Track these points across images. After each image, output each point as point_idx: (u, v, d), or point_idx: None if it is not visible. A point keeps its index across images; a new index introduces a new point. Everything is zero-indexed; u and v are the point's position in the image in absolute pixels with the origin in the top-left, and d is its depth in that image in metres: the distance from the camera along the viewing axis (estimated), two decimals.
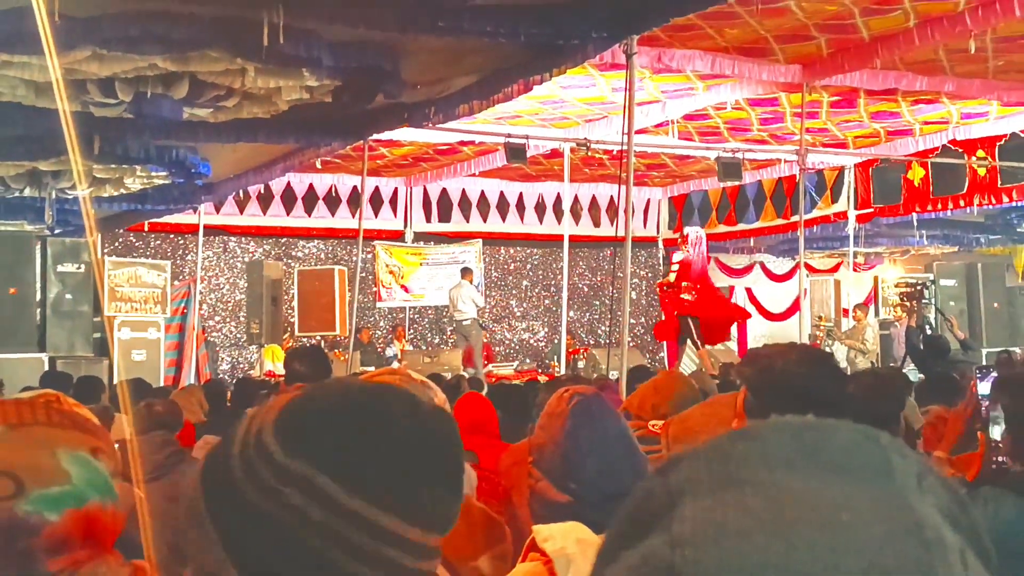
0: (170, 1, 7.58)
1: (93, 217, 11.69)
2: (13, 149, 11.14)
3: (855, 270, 21.07)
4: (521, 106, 13.31)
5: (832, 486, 0.61)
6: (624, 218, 9.19)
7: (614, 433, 2.81)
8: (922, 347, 13.75)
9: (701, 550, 0.58)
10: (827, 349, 18.80)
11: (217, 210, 18.26)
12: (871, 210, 17.80)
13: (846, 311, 20.79)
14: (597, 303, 22.71)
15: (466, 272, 18.37)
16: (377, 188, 19.50)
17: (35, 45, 7.57)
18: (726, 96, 13.10)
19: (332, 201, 19.44)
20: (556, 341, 19.28)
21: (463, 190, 20.40)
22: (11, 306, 14.29)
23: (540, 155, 16.28)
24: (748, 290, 23.11)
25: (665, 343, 22.34)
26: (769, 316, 22.86)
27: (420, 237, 20.43)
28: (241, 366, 19.59)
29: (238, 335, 19.63)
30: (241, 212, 19.00)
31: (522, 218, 20.98)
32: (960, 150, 15.98)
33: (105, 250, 17.68)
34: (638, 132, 11.77)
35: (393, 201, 20.12)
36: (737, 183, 17.47)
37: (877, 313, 21.95)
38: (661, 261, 22.65)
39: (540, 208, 20.97)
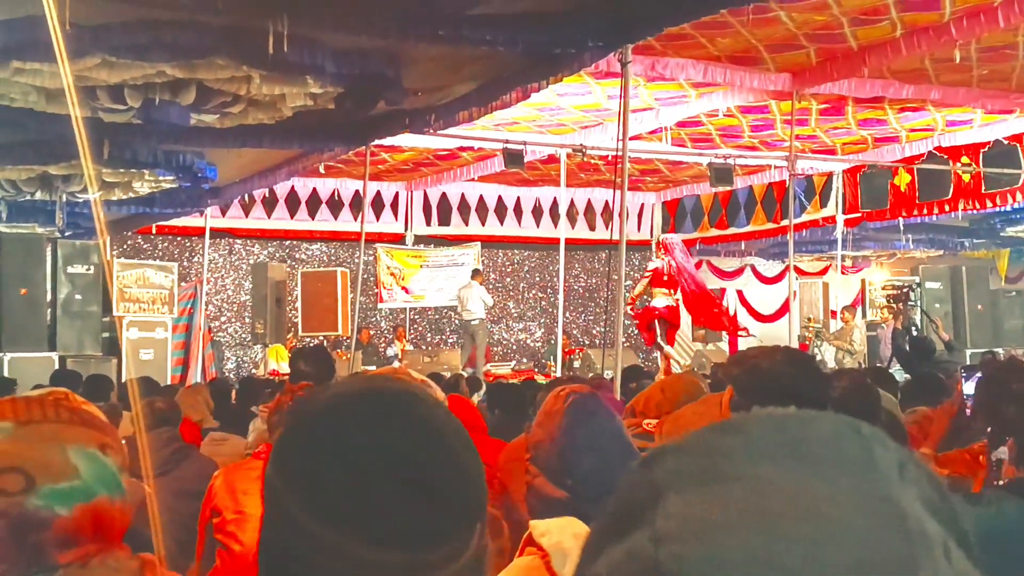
0: (178, 10, 7.57)
1: (103, 220, 11.68)
2: (25, 153, 11.13)
3: (843, 273, 21.09)
4: (519, 113, 13.31)
5: (815, 479, 0.59)
6: (619, 222, 9.19)
7: (609, 431, 2.81)
8: (908, 348, 13.74)
9: (685, 546, 0.57)
10: (816, 350, 18.84)
11: (223, 213, 18.26)
12: (859, 215, 17.82)
13: (834, 313, 20.81)
14: (592, 304, 22.73)
15: (476, 273, 18.41)
16: (379, 192, 19.50)
17: (46, 52, 7.57)
18: (718, 103, 13.10)
19: (335, 205, 19.43)
20: (552, 341, 19.29)
21: (462, 194, 20.40)
22: (22, 306, 14.28)
23: (537, 160, 16.28)
24: (739, 292, 23.13)
25: None
26: (759, 318, 22.87)
27: (420, 240, 20.44)
28: (246, 365, 19.59)
29: (243, 335, 19.64)
30: (246, 215, 18.99)
31: (519, 222, 20.98)
32: (945, 156, 15.99)
33: (114, 252, 17.67)
34: (632, 138, 11.78)
35: (394, 205, 20.12)
36: (728, 188, 17.47)
37: (864, 315, 21.96)
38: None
39: (537, 212, 20.97)
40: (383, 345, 19.83)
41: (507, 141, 14.26)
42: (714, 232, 20.93)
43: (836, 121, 14.82)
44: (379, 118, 11.12)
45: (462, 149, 16.21)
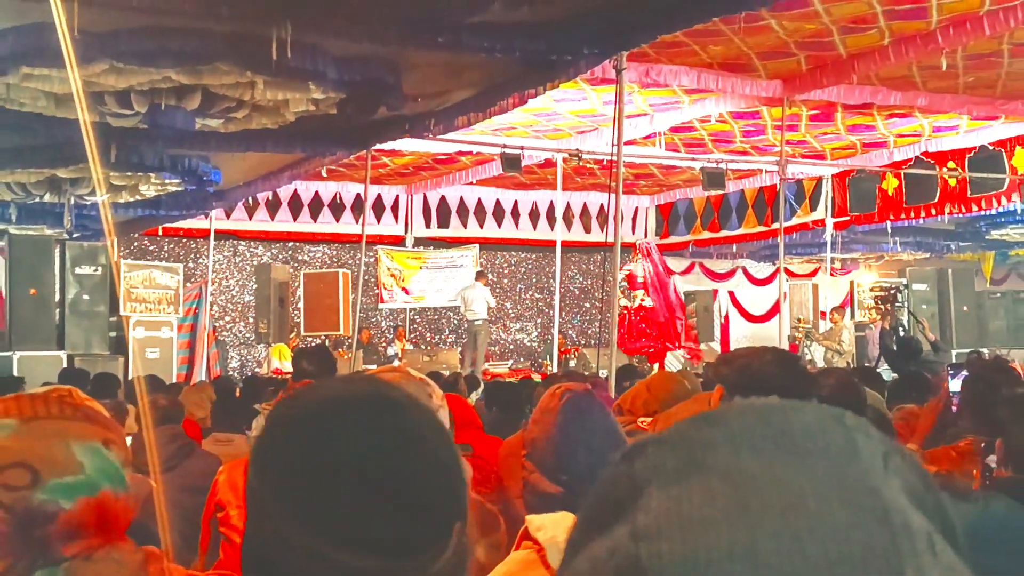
0: (183, 17, 7.57)
1: (111, 222, 11.68)
2: (34, 157, 11.13)
3: (832, 275, 21.08)
4: (516, 118, 13.32)
5: (798, 470, 0.57)
6: (613, 225, 9.19)
7: (603, 428, 2.81)
8: (895, 348, 13.73)
9: (666, 542, 0.55)
10: (805, 350, 18.85)
11: (227, 216, 18.26)
12: (847, 218, 17.82)
13: (823, 313, 20.81)
14: (587, 305, 22.72)
15: (480, 275, 18.42)
16: (379, 195, 19.50)
17: (55, 58, 7.56)
18: (710, 109, 13.12)
19: (337, 208, 19.43)
20: (548, 341, 19.32)
21: (461, 197, 20.41)
22: (32, 306, 14.27)
23: (534, 165, 16.28)
24: (731, 293, 23.16)
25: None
26: (750, 318, 22.91)
27: (420, 242, 20.44)
28: (250, 364, 19.59)
29: (247, 334, 19.64)
30: (250, 218, 19.00)
31: (517, 224, 20.98)
32: (932, 161, 16.01)
33: (121, 253, 17.65)
34: (627, 143, 11.77)
35: (395, 208, 20.12)
36: (721, 192, 17.48)
37: (853, 315, 21.98)
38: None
39: (534, 215, 20.98)
40: (383, 345, 19.83)
41: (505, 146, 14.26)
42: (706, 235, 20.95)
43: (826, 127, 14.82)
44: (380, 123, 11.12)
45: (461, 153, 16.21)
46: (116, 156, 10.92)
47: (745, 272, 23.23)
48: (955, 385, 4.44)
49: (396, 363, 17.47)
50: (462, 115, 10.59)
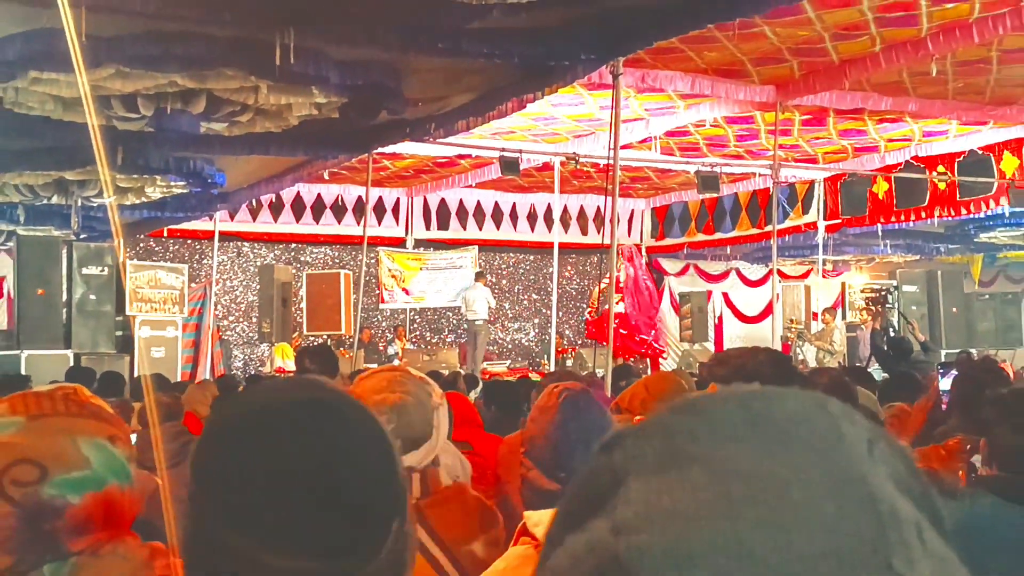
0: (189, 22, 7.57)
1: (118, 224, 11.68)
2: (42, 159, 11.12)
3: (824, 276, 21.11)
4: (515, 122, 13.31)
5: (781, 459, 0.54)
6: (610, 227, 9.19)
7: (600, 426, 2.81)
8: (886, 348, 13.73)
9: (646, 536, 0.52)
10: (798, 350, 18.86)
11: (231, 217, 18.24)
12: (839, 221, 17.83)
13: (815, 314, 20.81)
14: (584, 306, 22.69)
15: (480, 276, 18.43)
16: (380, 198, 19.49)
17: (63, 63, 7.56)
18: (705, 114, 13.11)
19: (339, 210, 19.43)
20: (546, 341, 19.32)
21: (460, 200, 20.39)
22: (39, 306, 14.26)
23: (532, 168, 16.27)
24: (725, 294, 23.14)
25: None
26: (744, 319, 22.90)
27: (420, 244, 20.43)
28: (253, 363, 19.58)
29: (250, 334, 19.62)
30: (254, 219, 18.98)
31: (515, 226, 20.97)
32: (922, 166, 16.01)
33: (127, 254, 17.64)
34: (623, 147, 11.76)
35: (395, 210, 20.11)
36: (715, 195, 17.47)
37: (844, 316, 22.00)
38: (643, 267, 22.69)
39: (532, 217, 20.97)
40: (384, 344, 19.83)
41: (503, 149, 14.26)
42: (701, 237, 20.95)
43: (818, 131, 14.83)
44: (381, 127, 11.12)
45: (460, 157, 16.21)
46: (122, 159, 10.91)
47: (739, 274, 23.22)
48: (945, 384, 4.45)
49: (396, 362, 17.49)
50: (462, 119, 10.58)
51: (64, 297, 14.80)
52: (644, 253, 22.35)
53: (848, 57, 10.89)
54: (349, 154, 12.62)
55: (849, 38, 10.30)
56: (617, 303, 17.57)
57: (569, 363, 18.77)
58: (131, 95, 8.77)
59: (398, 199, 20.04)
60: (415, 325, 21.31)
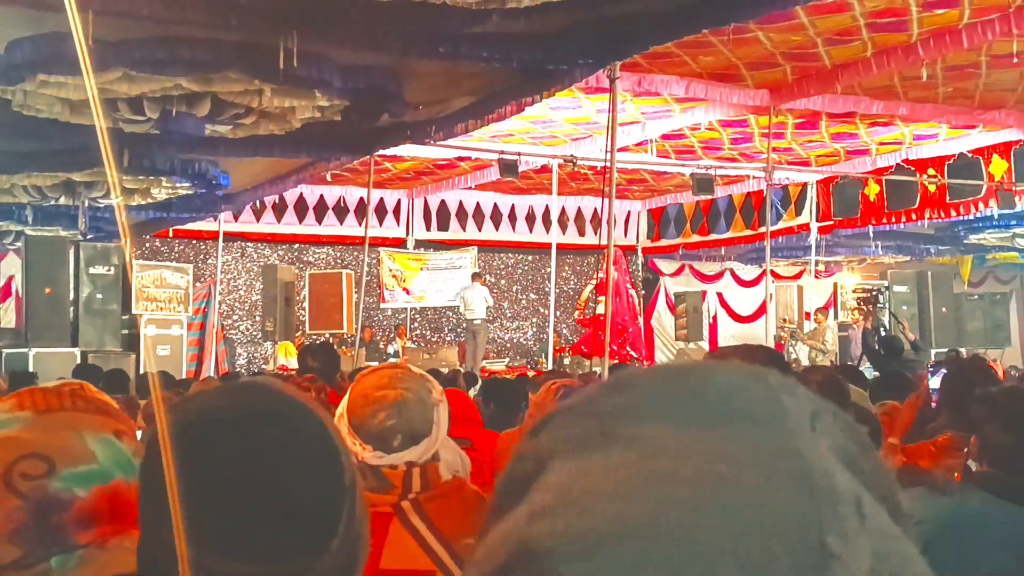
0: (194, 27, 7.57)
1: (125, 224, 11.67)
2: (50, 161, 11.13)
3: (816, 277, 21.11)
4: (513, 125, 13.31)
5: (711, 435, 0.50)
6: (607, 228, 9.19)
7: None
8: (877, 347, 13.74)
9: (560, 520, 0.48)
10: (791, 349, 18.87)
11: (235, 218, 18.23)
12: (831, 222, 17.84)
13: (808, 314, 20.83)
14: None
15: (477, 276, 18.42)
16: (382, 199, 19.49)
17: (70, 66, 7.57)
18: (700, 118, 13.11)
19: (341, 211, 19.42)
20: (544, 340, 19.31)
21: (460, 202, 20.40)
22: (47, 304, 14.25)
23: (530, 170, 16.27)
24: (719, 294, 23.16)
25: (644, 342, 22.39)
26: (738, 318, 22.92)
27: (421, 244, 20.42)
28: (256, 361, 19.58)
29: (254, 332, 19.63)
30: (257, 220, 18.98)
31: (514, 227, 20.97)
32: (912, 168, 16.02)
33: (133, 254, 17.64)
34: (620, 150, 11.78)
35: (396, 211, 20.11)
36: (710, 197, 17.49)
37: (836, 316, 21.98)
38: (640, 268, 22.70)
39: (530, 218, 20.97)
40: (385, 342, 19.83)
41: (502, 152, 14.26)
42: (696, 238, 20.96)
43: (811, 135, 14.83)
44: (382, 130, 11.12)
45: (460, 159, 16.21)
46: (129, 160, 10.91)
47: (733, 274, 23.23)
48: (935, 383, 4.45)
49: (397, 360, 17.49)
50: (461, 122, 10.58)
51: (71, 296, 14.79)
52: (640, 254, 22.40)
53: (840, 62, 10.89)
54: (351, 156, 12.62)
55: (841, 43, 10.31)
56: (600, 304, 17.61)
57: (567, 361, 18.78)
58: (137, 98, 8.77)
59: (399, 200, 20.04)
60: (415, 324, 21.30)
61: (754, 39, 10.06)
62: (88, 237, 14.82)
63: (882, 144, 15.57)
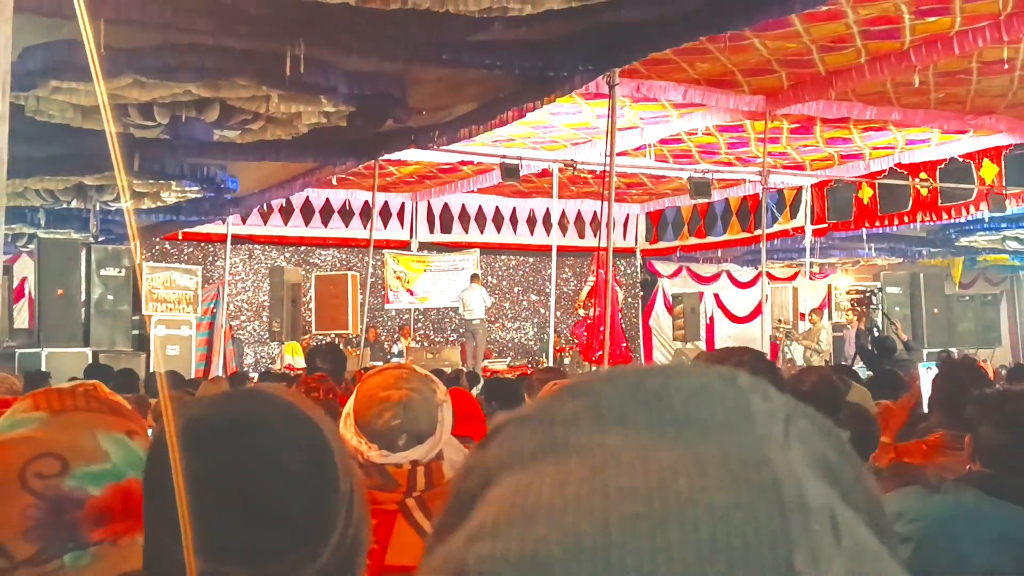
0: (203, 34, 7.57)
1: (135, 227, 11.69)
2: (62, 165, 11.14)
3: (811, 278, 21.10)
4: (515, 130, 13.32)
5: (672, 443, 0.44)
6: (606, 231, 9.20)
7: None
8: (870, 347, 13.74)
9: (500, 542, 0.42)
10: (786, 349, 18.86)
11: (243, 221, 18.25)
12: (825, 225, 17.83)
13: (803, 315, 20.81)
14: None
15: (475, 277, 18.43)
16: (386, 202, 19.50)
17: (82, 73, 7.57)
18: (697, 123, 13.12)
19: (346, 214, 19.43)
20: (544, 340, 19.31)
21: (463, 205, 20.40)
22: (59, 305, 14.25)
23: (531, 174, 16.27)
24: (716, 296, 23.15)
25: (642, 342, 22.40)
26: (734, 319, 22.91)
27: (424, 246, 20.43)
28: (264, 360, 19.58)
29: (261, 333, 19.62)
30: (265, 223, 18.99)
31: (515, 230, 20.98)
32: (905, 172, 16.02)
33: (143, 256, 17.65)
34: (619, 154, 11.79)
35: (400, 214, 20.12)
36: (706, 200, 17.48)
37: (830, 317, 21.99)
38: (638, 270, 22.70)
39: (531, 221, 20.98)
40: (389, 343, 19.83)
41: (504, 156, 14.27)
42: (693, 241, 20.96)
43: (805, 139, 14.83)
44: (387, 134, 11.13)
45: (463, 163, 16.21)
46: (139, 165, 10.92)
47: (729, 276, 23.22)
48: (926, 383, 4.45)
49: (401, 360, 17.50)
50: (464, 127, 10.59)
51: (83, 297, 14.79)
52: (639, 256, 22.41)
53: (834, 68, 10.89)
54: (356, 160, 12.62)
55: (835, 50, 10.31)
56: (592, 307, 17.63)
57: (567, 361, 18.78)
58: (148, 104, 8.78)
59: (403, 203, 20.05)
60: (419, 324, 21.30)
61: (750, 46, 10.06)
62: (99, 240, 14.83)
63: (875, 149, 15.57)
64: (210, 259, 19.36)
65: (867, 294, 23.10)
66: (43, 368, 12.51)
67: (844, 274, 23.94)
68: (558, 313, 18.73)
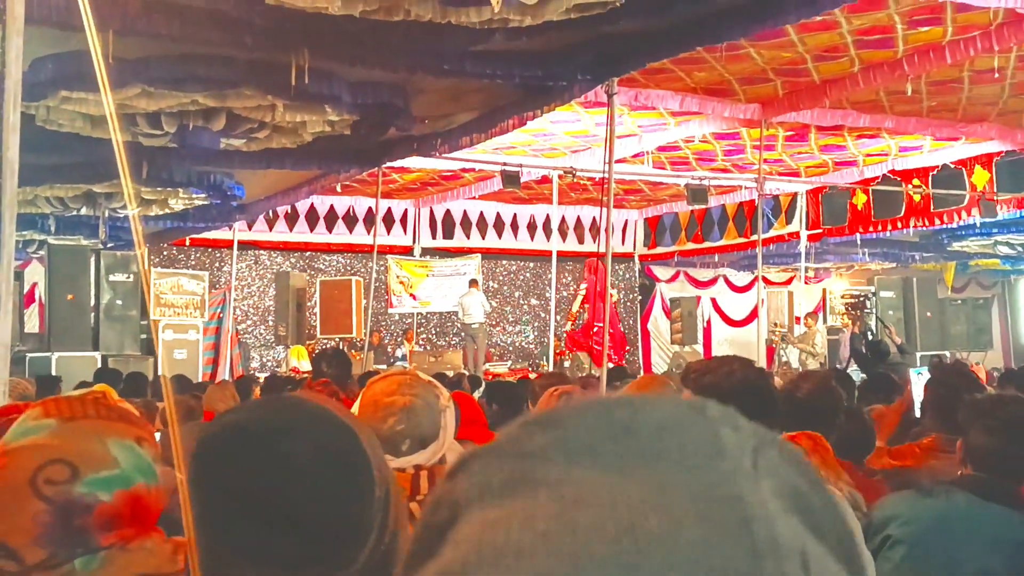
0: (210, 45, 7.58)
1: (142, 233, 11.69)
2: (72, 173, 11.14)
3: (806, 283, 21.10)
4: (515, 138, 13.32)
5: (642, 479, 0.43)
6: (605, 237, 9.19)
7: None
8: (864, 351, 13.75)
9: None
10: (781, 352, 18.87)
11: (249, 227, 18.25)
12: (820, 231, 17.83)
13: (798, 319, 20.83)
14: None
15: (473, 282, 18.44)
16: (389, 209, 19.50)
17: (91, 83, 7.55)
18: (694, 130, 13.12)
19: (350, 220, 19.44)
20: (545, 343, 19.30)
21: (464, 211, 20.41)
22: (69, 311, 14.27)
23: (532, 181, 16.28)
24: (713, 300, 23.15)
25: (641, 345, 22.39)
26: (731, 322, 22.90)
27: (427, 252, 20.44)
28: (269, 364, 19.58)
29: (267, 337, 19.62)
30: (270, 229, 18.99)
31: (516, 236, 20.98)
32: (898, 179, 16.01)
33: (151, 262, 17.66)
34: (617, 161, 11.79)
35: (403, 220, 20.12)
36: (703, 206, 17.47)
37: (825, 321, 22.00)
38: (637, 274, 22.70)
39: (531, 227, 20.98)
40: (393, 346, 19.82)
41: (505, 163, 14.27)
42: (690, 246, 20.96)
43: (800, 147, 14.83)
44: (390, 143, 11.13)
45: (464, 170, 16.22)
46: (147, 173, 10.93)
47: (726, 280, 23.22)
48: (917, 389, 4.45)
49: (404, 363, 17.52)
50: (466, 135, 10.59)
51: (92, 302, 14.81)
52: (637, 261, 22.41)
53: (829, 77, 10.90)
54: (360, 168, 12.63)
55: (829, 59, 10.31)
56: (586, 312, 17.69)
57: (567, 364, 18.78)
58: (155, 113, 8.79)
59: (406, 210, 20.05)
60: (422, 329, 21.31)
61: (746, 55, 10.07)
62: (108, 246, 14.85)
63: (869, 156, 15.57)
64: (217, 265, 19.36)
65: (861, 298, 23.10)
66: (53, 372, 12.52)
67: (839, 278, 23.94)
68: (558, 317, 18.74)
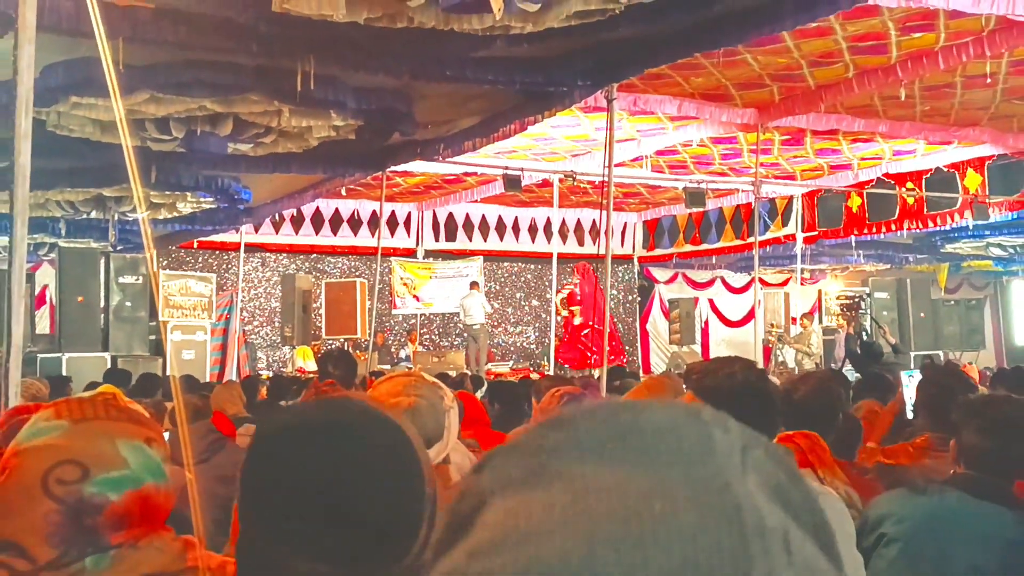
0: (217, 52, 7.59)
1: (150, 236, 11.67)
2: (82, 178, 11.16)
3: (802, 284, 21.10)
4: (517, 142, 13.32)
5: (645, 472, 0.49)
6: (605, 239, 9.19)
7: None
8: (859, 351, 13.73)
9: (498, 558, 0.47)
10: (778, 352, 18.86)
11: (256, 230, 18.26)
12: (816, 233, 17.84)
13: (794, 319, 20.80)
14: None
15: (474, 284, 18.43)
16: (393, 212, 19.51)
17: (101, 89, 7.58)
18: (692, 135, 13.12)
19: (355, 223, 19.44)
20: (545, 344, 19.29)
21: (467, 214, 20.40)
22: (79, 312, 14.26)
23: (533, 184, 16.28)
24: (711, 301, 23.15)
25: (640, 345, 22.39)
26: (728, 323, 22.91)
27: (430, 254, 20.44)
28: (276, 364, 19.58)
29: (273, 337, 19.63)
30: (277, 232, 19.00)
31: (517, 238, 20.98)
32: (892, 182, 16.02)
33: (160, 264, 17.66)
34: (617, 165, 11.78)
35: (407, 223, 20.13)
36: (701, 209, 17.48)
37: (821, 321, 21.99)
38: (636, 276, 22.70)
39: (532, 230, 20.98)
40: (397, 347, 19.82)
41: (506, 167, 14.27)
42: (688, 248, 20.96)
43: (796, 150, 14.83)
44: (394, 147, 11.14)
45: (467, 174, 16.22)
46: (156, 177, 10.95)
47: (723, 281, 23.22)
48: (909, 390, 4.44)
49: (408, 364, 17.52)
50: (468, 140, 10.60)
51: (102, 304, 14.79)
52: (636, 263, 22.42)
53: (824, 82, 10.90)
54: (364, 172, 12.64)
55: (824, 65, 10.31)
56: (576, 316, 17.71)
57: (567, 365, 18.76)
58: (164, 118, 8.79)
59: (409, 213, 20.06)
60: (425, 329, 21.31)
61: (743, 61, 10.07)
62: (118, 248, 14.85)
63: (863, 159, 15.57)
64: (224, 267, 19.37)
65: (856, 299, 23.10)
66: (64, 372, 12.53)
67: (834, 280, 23.94)
68: (558, 318, 18.73)
